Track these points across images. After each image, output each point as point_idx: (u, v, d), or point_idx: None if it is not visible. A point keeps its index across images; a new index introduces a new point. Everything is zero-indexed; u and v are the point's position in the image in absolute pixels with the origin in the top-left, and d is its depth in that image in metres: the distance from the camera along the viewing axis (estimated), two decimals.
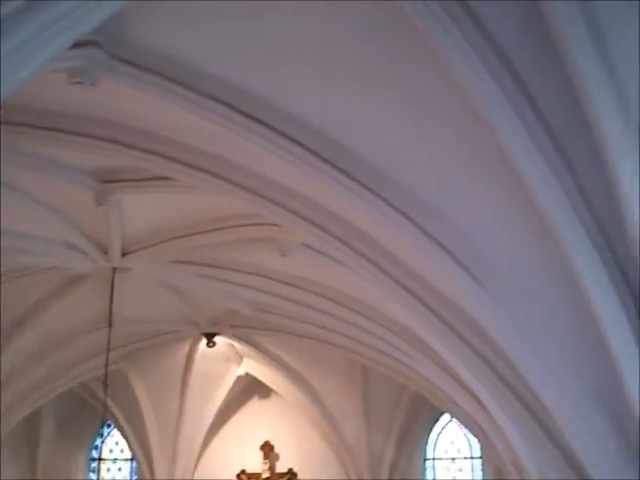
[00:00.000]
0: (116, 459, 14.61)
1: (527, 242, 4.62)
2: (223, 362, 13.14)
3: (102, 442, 14.64)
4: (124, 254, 8.26)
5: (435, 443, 13.46)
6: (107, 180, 6.84)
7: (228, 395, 13.64)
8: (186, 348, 12.75)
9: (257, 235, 7.62)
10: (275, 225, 6.88)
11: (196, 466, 13.78)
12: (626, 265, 4.20)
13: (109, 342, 9.59)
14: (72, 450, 14.29)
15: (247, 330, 11.56)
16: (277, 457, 13.78)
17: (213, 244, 7.97)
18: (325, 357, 11.95)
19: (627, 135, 3.71)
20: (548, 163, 4.05)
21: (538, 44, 3.71)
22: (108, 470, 14.62)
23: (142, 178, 6.67)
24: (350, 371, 12.44)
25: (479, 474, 13.19)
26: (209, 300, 10.08)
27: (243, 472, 13.67)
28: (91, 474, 14.51)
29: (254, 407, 14.08)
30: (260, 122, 4.80)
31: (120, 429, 13.93)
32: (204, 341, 11.90)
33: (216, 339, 11.83)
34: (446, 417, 13.02)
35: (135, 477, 14.34)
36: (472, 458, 13.30)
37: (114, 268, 8.60)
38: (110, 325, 9.54)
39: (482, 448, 12.36)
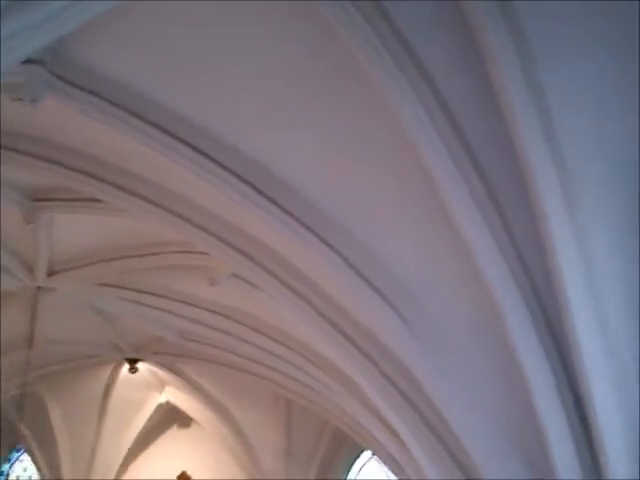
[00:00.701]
0: None
1: (459, 291, 4.79)
2: (144, 389, 12.98)
3: (10, 467, 14.20)
4: (50, 274, 8.15)
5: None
6: (38, 198, 6.78)
7: (147, 423, 13.44)
8: (107, 373, 12.54)
9: (187, 263, 7.63)
10: (205, 254, 6.91)
11: None
12: (552, 319, 4.39)
13: (28, 363, 9.39)
14: None
15: (171, 358, 11.47)
16: None
17: (142, 269, 7.94)
18: (249, 389, 11.92)
19: (562, 193, 3.92)
20: (484, 218, 4.24)
21: (484, 105, 3.91)
22: None
23: (74, 198, 6.63)
24: (274, 404, 12.43)
25: None
26: (134, 325, 9.98)
27: None
28: None
29: (173, 436, 13.90)
30: (195, 149, 4.87)
31: (31, 454, 13.55)
32: (126, 366, 11.75)
33: (139, 365, 11.70)
34: (367, 454, 13.08)
35: None
36: None
37: (38, 287, 8.46)
38: (30, 346, 9.35)
39: None
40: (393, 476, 11.68)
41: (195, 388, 12.54)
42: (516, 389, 4.62)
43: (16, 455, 14.06)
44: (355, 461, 13.30)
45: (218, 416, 12.77)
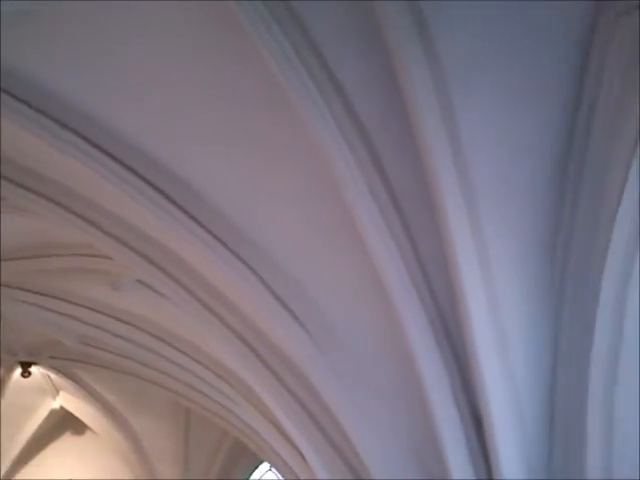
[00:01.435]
0: None
1: (365, 307, 4.85)
2: (37, 393, 12.63)
3: None
4: None
5: None
6: None
7: (39, 428, 13.10)
8: None
9: (89, 266, 7.49)
10: (108, 258, 6.80)
11: None
12: (456, 339, 4.51)
13: None
14: None
15: (68, 362, 11.22)
16: None
17: (42, 270, 7.74)
18: (148, 397, 11.77)
19: (467, 212, 4.06)
20: (391, 233, 4.34)
21: (396, 122, 4.01)
22: None
23: None
24: (173, 413, 12.29)
25: None
26: (30, 328, 9.71)
27: None
28: None
29: (66, 443, 13.58)
30: (101, 150, 4.79)
31: None
32: (19, 370, 11.43)
33: (32, 369, 11.40)
34: (266, 466, 13.09)
35: None
36: None
37: None
38: None
39: None
40: None
41: (91, 394, 12.29)
42: (417, 408, 4.73)
43: None
44: (253, 472, 13.29)
45: (114, 424, 12.55)
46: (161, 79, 4.46)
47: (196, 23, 4.10)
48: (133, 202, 5.06)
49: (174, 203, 4.94)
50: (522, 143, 4.00)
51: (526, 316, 4.38)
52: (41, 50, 4.37)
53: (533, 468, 4.47)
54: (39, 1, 4.03)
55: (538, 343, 4.40)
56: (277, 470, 10.66)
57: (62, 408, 12.90)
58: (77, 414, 12.92)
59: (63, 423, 13.27)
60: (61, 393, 12.70)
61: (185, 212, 4.99)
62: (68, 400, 12.75)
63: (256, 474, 13.42)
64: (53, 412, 12.98)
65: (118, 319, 8.38)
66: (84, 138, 4.76)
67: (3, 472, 13.01)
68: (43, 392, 12.64)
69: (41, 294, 8.26)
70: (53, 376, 12.05)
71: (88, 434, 13.34)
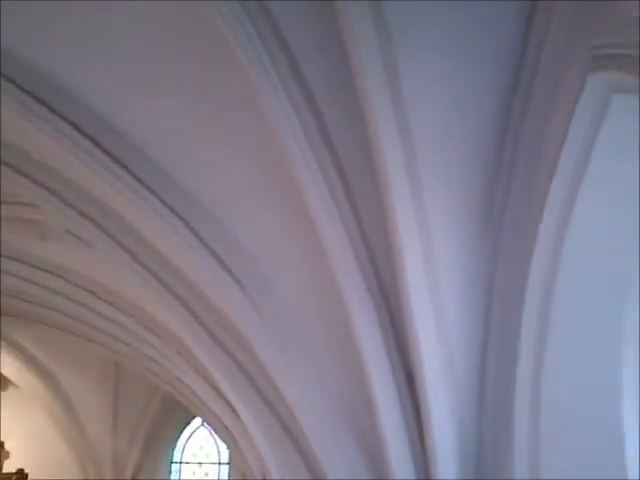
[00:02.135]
0: None
1: (304, 270, 4.93)
2: None
3: None
4: None
5: (184, 447, 13.55)
6: None
7: None
8: None
9: (14, 215, 7.31)
10: (35, 207, 6.67)
11: None
12: (393, 303, 4.63)
13: None
14: None
15: None
16: (7, 455, 13.18)
17: None
18: (77, 352, 11.66)
19: (407, 176, 4.14)
20: (334, 199, 4.43)
21: (341, 83, 4.08)
22: None
23: None
24: (102, 368, 12.23)
25: None
26: None
27: None
28: None
29: None
30: (36, 98, 4.71)
31: None
32: None
33: None
34: (197, 421, 13.17)
35: None
36: (220, 464, 13.55)
37: None
38: None
39: (231, 455, 12.64)
40: (223, 443, 11.86)
41: (16, 349, 12.12)
42: (352, 370, 4.84)
43: None
44: (185, 428, 13.35)
45: (40, 379, 12.42)
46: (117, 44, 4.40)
47: None
48: (65, 151, 4.97)
49: (108, 153, 4.87)
50: (463, 103, 4.05)
51: (463, 280, 4.50)
52: None
53: (464, 425, 4.62)
54: None
55: (473, 307, 4.53)
56: (210, 426, 10.75)
57: None
58: (1, 369, 12.73)
59: None
60: None
61: (118, 162, 4.93)
62: None
63: (188, 430, 13.50)
64: None
65: (45, 270, 8.23)
66: (11, 81, 4.65)
67: None
68: None
69: None
70: None
71: (12, 389, 13.17)
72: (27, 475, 12.99)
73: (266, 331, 5.12)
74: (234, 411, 7.23)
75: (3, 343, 11.92)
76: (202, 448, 13.59)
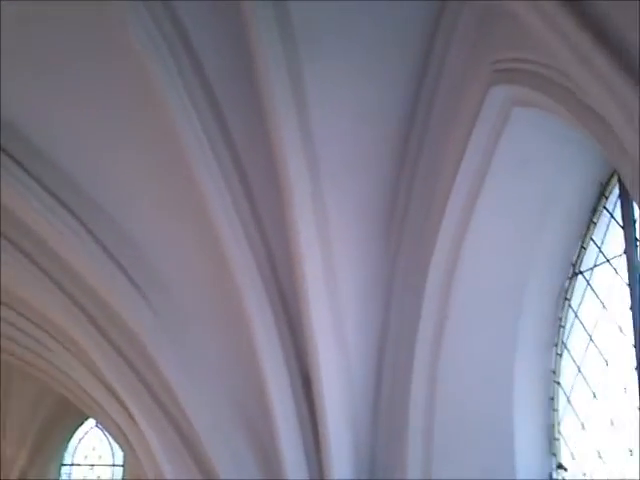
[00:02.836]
0: None
1: (201, 268, 4.91)
2: None
3: None
4: None
5: (76, 448, 13.27)
6: None
7: None
8: None
9: None
10: None
11: None
12: (291, 304, 4.69)
13: None
14: None
15: None
16: None
17: None
18: None
19: (309, 176, 4.20)
20: (232, 195, 4.44)
21: (242, 81, 4.11)
22: None
23: None
24: None
25: None
26: None
27: None
28: None
29: None
30: None
31: None
32: None
33: None
34: (91, 422, 12.91)
35: None
36: (114, 465, 13.32)
37: None
38: None
39: (125, 457, 12.44)
40: (116, 445, 11.67)
41: None
42: (250, 375, 4.85)
43: None
44: (78, 429, 13.08)
45: None
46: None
47: None
48: None
49: (2, 149, 4.74)
50: (366, 112, 4.12)
51: (362, 288, 4.59)
52: None
53: (359, 426, 4.70)
54: None
55: (371, 314, 4.61)
56: (103, 427, 10.55)
57: None
58: None
59: None
60: None
61: (19, 164, 4.80)
62: None
63: (81, 431, 13.22)
64: None
65: None
66: None
67: None
68: None
69: None
70: None
71: None
72: None
73: (159, 330, 5.07)
74: (129, 413, 7.12)
75: None
76: (94, 449, 13.31)
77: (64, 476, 13.21)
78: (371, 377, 4.70)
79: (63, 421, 12.76)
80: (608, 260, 4.19)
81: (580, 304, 4.37)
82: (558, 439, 4.41)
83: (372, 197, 4.41)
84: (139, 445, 7.89)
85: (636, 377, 3.83)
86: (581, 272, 4.37)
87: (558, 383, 4.45)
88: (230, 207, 4.46)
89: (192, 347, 5.07)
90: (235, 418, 5.07)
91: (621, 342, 4.01)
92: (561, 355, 4.44)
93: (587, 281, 4.33)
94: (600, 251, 4.27)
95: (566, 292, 4.43)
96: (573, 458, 4.33)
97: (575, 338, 4.38)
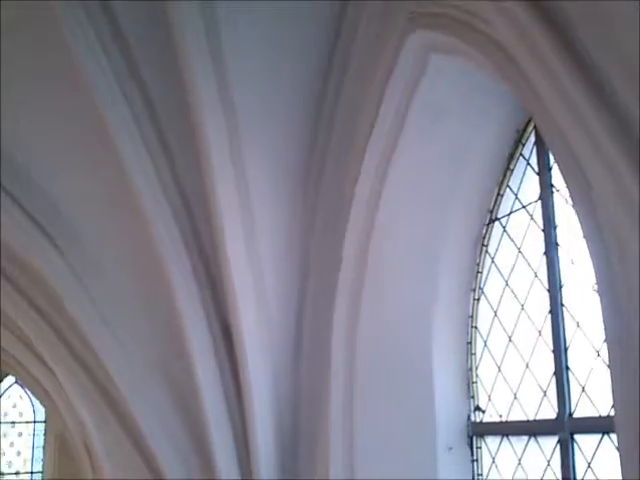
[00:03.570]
0: None
1: (116, 220, 4.87)
2: None
3: None
4: None
5: None
6: None
7: None
8: None
9: None
10: None
11: None
12: (209, 255, 4.70)
13: None
14: None
15: None
16: None
17: None
18: None
19: (227, 131, 4.19)
20: (146, 146, 4.44)
21: (157, 33, 4.09)
22: None
23: None
24: None
25: (41, 439, 13.12)
26: None
27: None
28: None
29: None
30: None
31: None
32: None
33: None
34: (10, 379, 12.71)
35: None
36: (35, 422, 13.18)
37: None
38: None
39: (47, 413, 12.31)
40: (37, 401, 11.53)
41: None
42: (172, 333, 4.85)
43: None
44: None
45: None
46: None
47: None
48: None
49: None
50: (283, 67, 4.10)
51: (281, 243, 4.60)
52: None
53: (279, 379, 4.74)
54: None
55: (290, 263, 4.63)
56: (23, 383, 10.39)
57: None
58: None
59: None
60: None
61: None
62: None
63: (0, 388, 13.02)
64: None
65: None
66: None
67: None
68: None
69: None
70: None
71: None
72: None
73: (77, 284, 4.99)
74: (48, 368, 7.03)
75: None
76: (15, 406, 13.14)
77: None
78: (292, 327, 4.73)
79: None
80: (524, 206, 4.27)
81: (497, 250, 4.46)
82: (476, 382, 4.54)
83: (290, 152, 4.42)
84: (60, 400, 7.82)
85: (549, 321, 3.95)
86: (498, 219, 4.46)
87: (476, 328, 4.56)
88: (146, 158, 4.40)
89: (110, 300, 5.02)
90: (155, 369, 5.06)
91: (536, 287, 4.11)
92: (478, 300, 4.55)
93: (503, 227, 4.42)
94: (517, 198, 4.35)
95: (483, 239, 4.51)
96: (490, 400, 4.46)
97: (492, 284, 4.48)
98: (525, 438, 4.17)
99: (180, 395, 5.03)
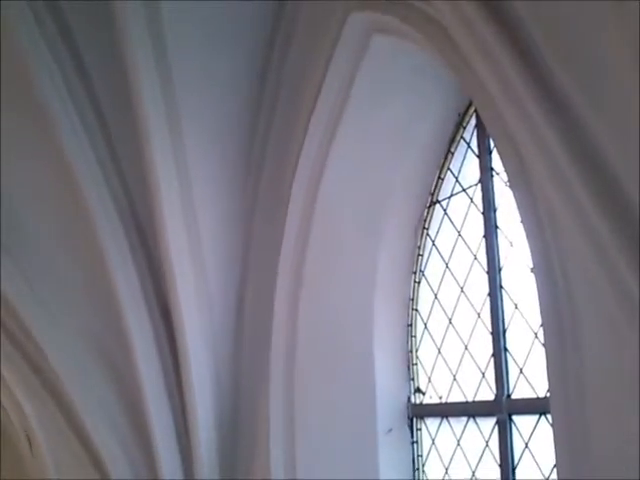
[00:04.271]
0: None
1: (54, 202, 4.80)
2: None
3: None
4: None
5: None
6: None
7: None
8: None
9: None
10: None
11: None
12: (149, 237, 4.69)
13: None
14: None
15: None
16: None
17: None
18: None
19: (166, 114, 4.17)
20: (87, 132, 4.41)
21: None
22: None
23: None
24: None
25: None
26: None
27: None
28: None
29: None
30: None
31: None
32: None
33: None
34: None
35: None
36: None
37: None
38: None
39: None
40: None
41: None
42: (109, 312, 4.80)
43: None
44: None
45: None
46: None
47: None
48: None
49: None
50: (223, 44, 4.08)
51: (222, 222, 4.59)
52: None
53: (220, 368, 4.73)
54: None
55: (230, 244, 4.61)
56: None
57: None
58: None
59: None
60: None
61: None
62: None
63: None
64: None
65: None
66: None
67: None
68: None
69: None
70: None
71: None
72: None
73: (13, 268, 4.89)
74: None
75: None
76: None
77: None
78: (232, 311, 4.72)
79: None
80: (464, 189, 4.30)
81: (437, 233, 4.49)
82: (416, 364, 4.57)
83: (231, 135, 4.40)
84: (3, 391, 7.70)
85: (489, 303, 3.99)
86: (438, 201, 4.48)
87: (416, 310, 4.58)
88: (84, 138, 4.35)
89: (47, 284, 4.94)
90: (93, 352, 5.00)
91: (475, 270, 4.15)
92: (419, 283, 4.57)
93: (444, 210, 4.44)
94: (457, 180, 4.37)
95: (424, 221, 4.53)
96: (430, 382, 4.50)
97: (432, 266, 4.51)
98: (464, 419, 4.22)
99: (120, 381, 5.00)
